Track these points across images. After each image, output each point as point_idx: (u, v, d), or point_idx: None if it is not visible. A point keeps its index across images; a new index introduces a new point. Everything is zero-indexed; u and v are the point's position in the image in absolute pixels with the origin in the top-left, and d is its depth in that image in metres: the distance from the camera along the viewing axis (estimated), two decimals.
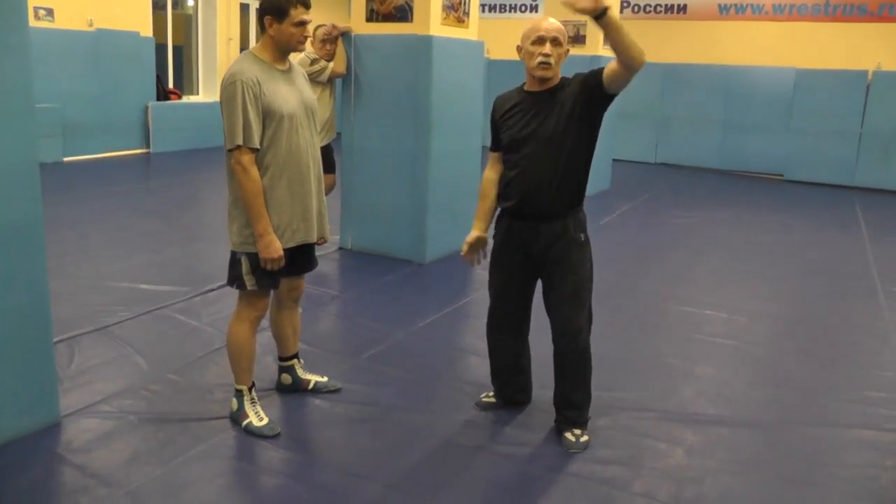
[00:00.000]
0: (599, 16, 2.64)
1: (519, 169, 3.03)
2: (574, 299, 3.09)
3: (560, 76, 3.04)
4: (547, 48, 2.93)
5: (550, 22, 2.99)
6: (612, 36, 2.69)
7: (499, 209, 3.22)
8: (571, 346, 3.12)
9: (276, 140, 2.95)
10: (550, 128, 2.97)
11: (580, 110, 2.96)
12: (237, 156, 2.87)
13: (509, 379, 3.41)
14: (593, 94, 2.93)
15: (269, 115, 2.91)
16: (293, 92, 3.04)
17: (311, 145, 3.11)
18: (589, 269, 3.12)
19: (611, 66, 2.86)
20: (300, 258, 3.19)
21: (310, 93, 3.17)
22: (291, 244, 3.06)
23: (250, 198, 2.89)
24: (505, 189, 3.11)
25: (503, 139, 3.10)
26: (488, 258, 3.28)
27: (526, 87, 3.09)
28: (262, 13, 2.98)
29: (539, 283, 3.21)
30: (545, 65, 2.94)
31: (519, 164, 3.03)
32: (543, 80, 3.00)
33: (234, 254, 3.06)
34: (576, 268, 3.06)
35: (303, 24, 2.97)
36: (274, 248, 2.94)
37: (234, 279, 3.07)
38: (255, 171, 2.89)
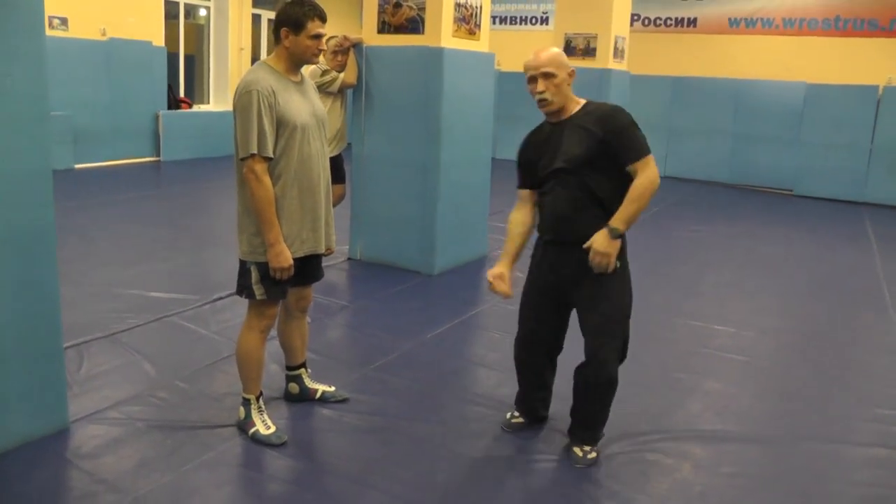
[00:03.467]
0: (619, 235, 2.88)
1: (548, 197, 3.02)
2: (602, 330, 3.00)
3: (579, 101, 3.01)
4: (539, 86, 2.92)
5: (535, 55, 2.94)
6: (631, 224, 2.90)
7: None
8: (593, 376, 3.03)
9: (289, 150, 2.96)
10: (568, 157, 2.94)
11: (601, 150, 2.91)
12: (250, 164, 2.88)
13: (531, 393, 3.38)
14: (613, 158, 2.92)
15: (282, 125, 2.93)
16: (305, 103, 3.06)
17: (321, 156, 3.12)
18: (626, 299, 3.04)
19: (631, 171, 2.91)
20: (308, 268, 3.20)
21: (320, 105, 3.19)
22: (300, 254, 3.06)
23: (262, 206, 2.90)
24: (539, 218, 3.13)
25: (538, 173, 3.04)
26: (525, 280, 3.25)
27: (547, 119, 3.07)
28: (278, 24, 2.99)
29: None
30: (542, 102, 2.94)
31: (549, 192, 3.02)
32: (552, 114, 2.99)
33: (243, 263, 3.07)
34: (609, 297, 2.99)
35: (318, 37, 2.99)
36: (284, 257, 2.95)
37: (244, 288, 3.08)
38: (267, 180, 2.90)
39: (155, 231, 7.00)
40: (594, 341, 3.01)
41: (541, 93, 2.91)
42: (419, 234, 5.89)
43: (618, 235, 2.89)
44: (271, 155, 2.91)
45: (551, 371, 3.37)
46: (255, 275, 3.02)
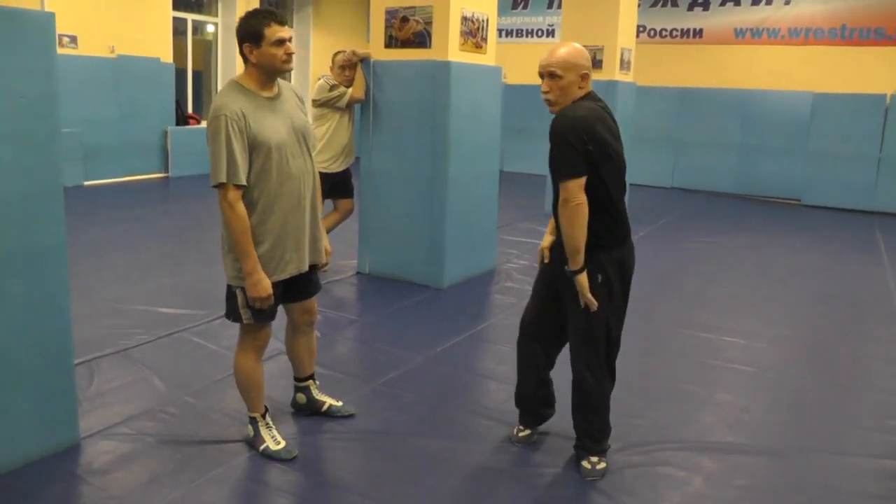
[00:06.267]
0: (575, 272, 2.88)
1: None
2: (583, 335, 3.02)
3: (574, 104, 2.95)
4: (544, 85, 2.90)
5: (549, 53, 2.90)
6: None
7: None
8: (576, 381, 3.11)
9: (265, 173, 2.89)
10: (551, 166, 2.98)
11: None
12: (223, 192, 2.82)
13: (533, 393, 3.34)
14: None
15: (255, 148, 2.85)
16: (281, 120, 2.96)
17: (304, 173, 3.03)
18: (603, 309, 2.96)
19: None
20: (300, 284, 3.18)
21: (300, 117, 3.07)
22: (285, 276, 3.03)
23: (237, 236, 2.85)
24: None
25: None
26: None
27: None
28: (240, 43, 2.91)
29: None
30: (546, 102, 2.92)
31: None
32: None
33: (229, 287, 3.05)
34: (578, 305, 2.97)
35: (282, 41, 2.87)
36: (262, 286, 2.90)
37: (231, 312, 3.06)
38: (241, 208, 2.84)
39: (164, 247, 7.03)
40: (574, 345, 3.09)
41: (545, 93, 2.89)
42: (428, 248, 5.89)
43: (574, 273, 2.89)
44: (243, 182, 2.83)
45: (547, 366, 3.32)
46: (240, 299, 2.99)
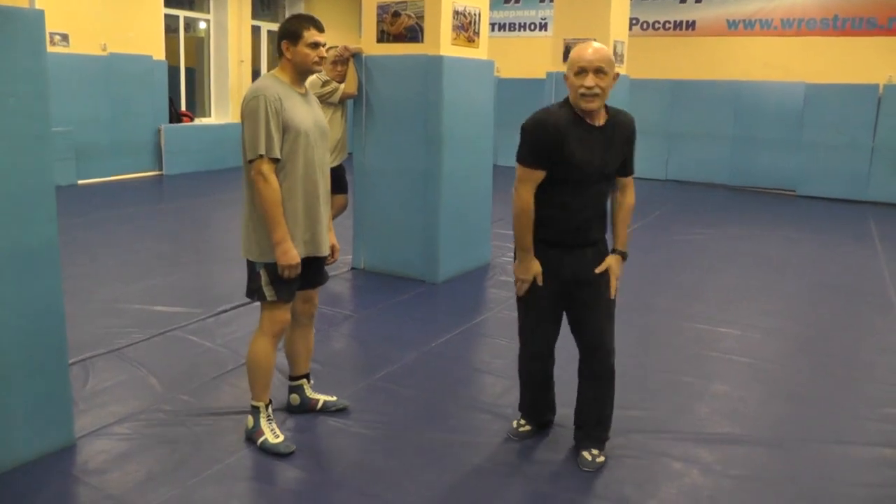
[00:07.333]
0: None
1: (577, 202, 2.97)
2: (609, 316, 3.12)
3: (605, 104, 2.97)
4: (589, 80, 2.83)
5: (594, 49, 2.86)
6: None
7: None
8: (607, 364, 3.12)
9: (293, 155, 3.06)
10: (609, 165, 2.98)
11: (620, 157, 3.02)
12: (258, 165, 2.97)
13: (541, 400, 3.38)
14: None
15: (287, 130, 3.03)
16: (309, 112, 3.17)
17: (322, 163, 3.23)
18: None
19: (622, 184, 3.11)
20: (311, 271, 3.24)
21: (322, 116, 3.31)
22: (301, 256, 3.11)
23: (269, 206, 2.98)
24: (552, 220, 3.01)
25: (560, 166, 2.92)
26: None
27: (583, 115, 2.93)
28: (279, 39, 3.16)
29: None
30: (588, 97, 2.85)
31: (576, 198, 2.96)
32: (590, 112, 2.90)
33: (252, 266, 3.13)
34: (608, 285, 3.08)
35: (317, 45, 3.12)
36: (291, 255, 3.02)
37: (254, 291, 3.14)
38: (274, 180, 3.00)
39: (158, 245, 7.01)
40: (600, 332, 3.11)
41: (590, 87, 2.83)
42: (422, 242, 5.89)
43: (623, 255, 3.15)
44: (278, 156, 3.01)
45: (553, 372, 3.38)
46: (264, 276, 3.09)
